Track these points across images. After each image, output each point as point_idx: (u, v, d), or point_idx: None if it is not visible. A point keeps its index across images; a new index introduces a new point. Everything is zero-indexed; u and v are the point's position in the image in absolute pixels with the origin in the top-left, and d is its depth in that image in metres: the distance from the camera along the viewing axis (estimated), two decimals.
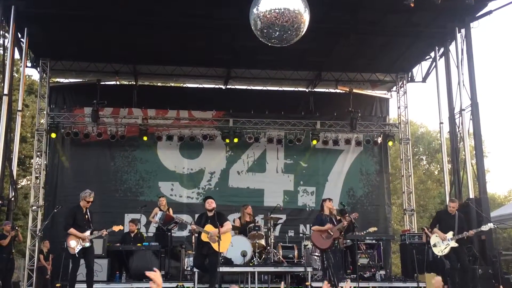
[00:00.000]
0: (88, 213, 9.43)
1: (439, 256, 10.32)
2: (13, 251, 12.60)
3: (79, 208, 9.39)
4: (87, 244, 9.23)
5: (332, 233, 9.90)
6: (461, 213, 10.69)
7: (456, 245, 10.06)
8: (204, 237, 9.36)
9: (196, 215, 12.26)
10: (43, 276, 14.07)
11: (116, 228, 10.12)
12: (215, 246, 9.26)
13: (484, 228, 10.42)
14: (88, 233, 9.24)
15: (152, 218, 13.06)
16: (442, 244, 10.12)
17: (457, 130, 13.76)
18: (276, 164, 16.71)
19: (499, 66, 53.45)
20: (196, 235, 10.21)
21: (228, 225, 9.75)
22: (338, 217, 11.48)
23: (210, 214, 9.65)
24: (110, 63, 16.09)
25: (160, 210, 12.86)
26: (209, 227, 9.40)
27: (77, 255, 9.19)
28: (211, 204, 9.60)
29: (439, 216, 10.75)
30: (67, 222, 9.31)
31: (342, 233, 11.38)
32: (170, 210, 13.16)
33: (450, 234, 10.09)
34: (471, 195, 12.94)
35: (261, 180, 16.49)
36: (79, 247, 9.16)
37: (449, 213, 10.40)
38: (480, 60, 46.05)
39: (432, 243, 10.29)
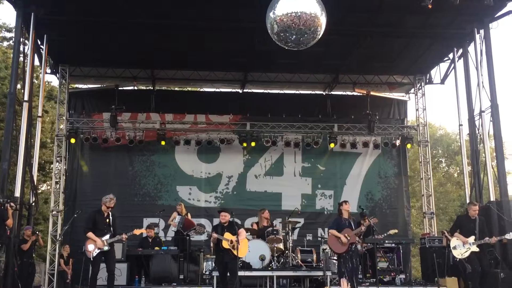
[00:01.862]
0: (110, 217, 9.49)
1: (458, 259, 10.18)
2: (33, 255, 12.75)
3: (100, 212, 9.47)
4: (106, 248, 9.26)
5: (349, 238, 9.65)
6: (482, 216, 10.56)
7: (477, 249, 9.96)
8: (225, 244, 9.42)
9: (214, 219, 12.36)
10: (64, 280, 14.20)
11: (137, 232, 10.21)
12: (235, 252, 9.35)
13: (509, 236, 10.28)
14: (107, 237, 9.30)
15: (171, 221, 13.15)
16: (462, 247, 10.02)
17: (477, 132, 13.59)
18: (293, 167, 16.68)
19: None
20: (212, 243, 10.33)
21: (243, 232, 9.87)
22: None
23: (224, 224, 9.77)
24: (128, 69, 16.22)
25: (179, 214, 12.94)
26: (228, 235, 9.49)
27: (92, 259, 9.24)
28: (225, 217, 9.69)
29: (460, 221, 10.63)
30: (86, 226, 9.41)
31: (361, 236, 11.31)
32: (189, 214, 13.21)
33: (471, 239, 9.99)
34: (492, 198, 12.76)
35: (278, 184, 16.47)
36: (97, 251, 9.21)
37: (469, 217, 10.28)
38: (499, 61, 45.46)
39: (452, 245, 10.19)
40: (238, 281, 9.46)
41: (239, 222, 11.98)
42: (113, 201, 9.46)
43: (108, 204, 9.41)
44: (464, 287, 11.31)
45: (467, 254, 9.97)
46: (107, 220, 9.44)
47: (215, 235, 9.51)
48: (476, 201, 12.23)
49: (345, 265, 9.69)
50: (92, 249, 9.20)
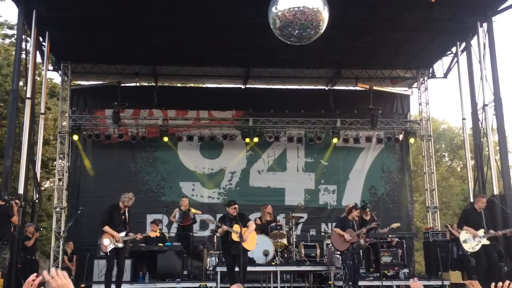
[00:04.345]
0: (126, 214, 9.50)
1: (469, 253, 10.15)
2: (36, 252, 12.78)
3: (117, 207, 9.46)
4: (120, 245, 9.26)
5: (351, 238, 10.18)
6: (486, 210, 10.53)
7: (487, 242, 9.93)
8: (234, 237, 9.35)
9: (218, 215, 12.34)
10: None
11: (152, 234, 10.27)
12: (244, 244, 9.32)
13: None
14: (122, 234, 9.30)
15: (172, 218, 13.18)
16: (473, 240, 9.96)
17: (480, 126, 13.56)
18: (296, 162, 16.67)
19: None
20: (218, 235, 10.21)
21: (253, 224, 9.80)
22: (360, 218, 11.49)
23: (232, 216, 9.65)
24: (130, 65, 16.20)
25: (180, 210, 12.92)
26: (237, 227, 9.41)
27: (108, 254, 9.25)
28: (236, 211, 9.59)
29: (466, 214, 10.58)
30: (103, 220, 9.37)
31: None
32: (192, 209, 13.15)
33: (481, 231, 9.93)
34: (496, 192, 12.75)
35: (282, 179, 16.47)
36: (112, 246, 9.18)
37: (475, 210, 10.25)
38: (503, 54, 45.23)
39: (462, 239, 10.10)
40: (242, 276, 9.43)
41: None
42: (131, 201, 9.48)
43: (126, 203, 9.43)
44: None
45: (478, 247, 9.91)
46: (123, 217, 9.44)
47: (224, 227, 9.42)
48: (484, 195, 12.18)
49: (346, 262, 10.23)
50: (107, 243, 9.17)
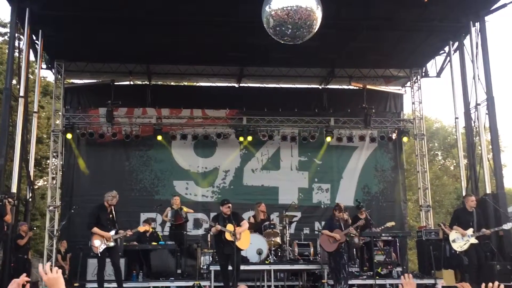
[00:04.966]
0: (113, 213, 9.48)
1: (457, 252, 10.24)
2: (29, 251, 12.73)
3: (103, 207, 9.43)
4: (111, 244, 9.24)
5: (339, 239, 10.30)
6: (479, 209, 10.60)
7: (476, 241, 9.99)
8: (228, 236, 9.36)
9: (211, 214, 12.35)
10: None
11: (141, 229, 10.26)
12: (237, 243, 9.34)
13: (506, 226, 10.32)
14: (112, 232, 9.28)
15: (165, 217, 13.15)
16: (461, 240, 10.04)
17: (473, 124, 13.62)
18: (290, 161, 16.70)
19: None
20: (212, 234, 10.21)
21: (246, 224, 9.83)
22: (348, 218, 11.56)
23: (226, 215, 9.65)
24: (123, 64, 16.16)
25: (172, 208, 12.90)
26: (230, 227, 9.42)
27: (100, 255, 9.24)
28: (229, 210, 9.60)
29: (458, 214, 10.65)
30: (90, 221, 9.35)
31: (358, 229, 11.44)
32: (184, 208, 13.13)
33: (470, 231, 10.00)
34: (488, 191, 12.81)
35: (275, 178, 16.49)
36: (103, 247, 9.17)
37: (466, 210, 10.32)
38: (495, 53, 45.47)
39: (451, 238, 10.21)
40: (235, 275, 9.44)
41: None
42: (115, 199, 9.44)
43: (110, 202, 9.41)
44: (461, 279, 11.37)
45: (466, 247, 9.99)
46: (110, 215, 9.42)
47: (218, 226, 9.41)
48: (472, 194, 12.25)
49: (335, 261, 10.33)
50: (98, 244, 9.16)
